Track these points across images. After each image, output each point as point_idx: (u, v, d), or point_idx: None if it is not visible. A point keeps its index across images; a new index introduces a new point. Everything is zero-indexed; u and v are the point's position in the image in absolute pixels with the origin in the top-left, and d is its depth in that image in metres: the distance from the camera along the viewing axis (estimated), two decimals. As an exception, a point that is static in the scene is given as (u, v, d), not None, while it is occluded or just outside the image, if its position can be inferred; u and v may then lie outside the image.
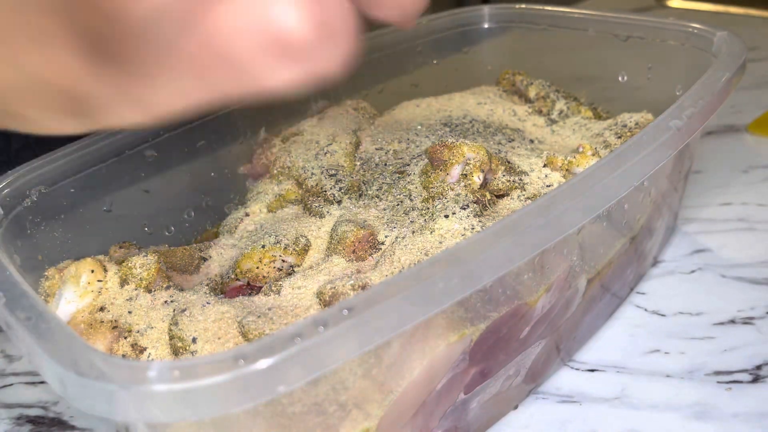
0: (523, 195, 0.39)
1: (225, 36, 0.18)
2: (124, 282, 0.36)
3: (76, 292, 0.35)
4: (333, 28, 0.18)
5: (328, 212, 0.40)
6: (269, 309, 0.33)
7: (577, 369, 0.41)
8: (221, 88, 0.19)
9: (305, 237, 0.38)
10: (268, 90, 0.19)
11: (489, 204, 0.38)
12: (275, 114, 0.50)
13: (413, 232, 0.36)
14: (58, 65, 0.19)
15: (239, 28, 0.17)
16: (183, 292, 0.36)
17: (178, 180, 0.46)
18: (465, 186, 0.38)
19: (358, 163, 0.44)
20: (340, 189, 0.41)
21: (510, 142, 0.44)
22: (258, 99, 0.20)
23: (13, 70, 0.20)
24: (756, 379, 0.39)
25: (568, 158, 0.41)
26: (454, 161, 0.39)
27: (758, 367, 0.40)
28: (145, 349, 0.33)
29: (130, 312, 0.34)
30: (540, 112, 0.51)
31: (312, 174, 0.42)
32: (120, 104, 0.20)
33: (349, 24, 0.19)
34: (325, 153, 0.44)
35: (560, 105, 0.50)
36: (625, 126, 0.45)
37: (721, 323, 0.43)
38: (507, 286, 0.32)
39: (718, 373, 0.40)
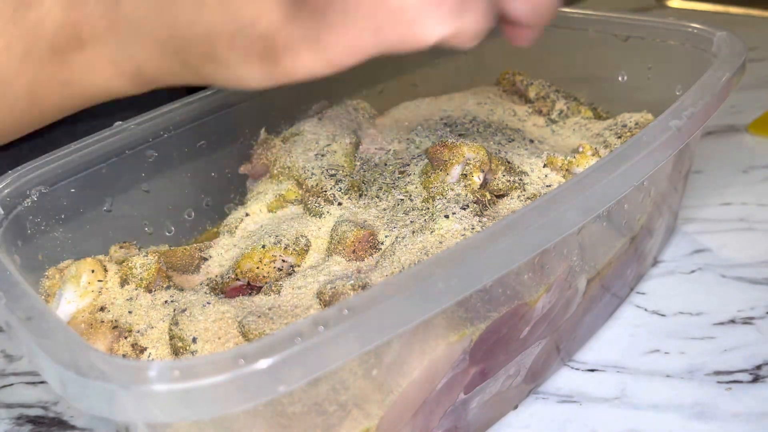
0: (523, 195, 0.39)
1: None
2: (124, 282, 0.36)
3: (76, 292, 0.35)
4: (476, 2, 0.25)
5: (328, 212, 0.40)
6: (269, 309, 0.33)
7: (577, 369, 0.41)
8: (388, 42, 0.25)
9: (305, 237, 0.39)
10: (423, 44, 0.26)
11: (489, 204, 0.38)
12: (275, 114, 0.50)
13: (413, 232, 0.36)
14: (264, 12, 0.25)
15: None
16: (183, 292, 0.36)
17: (178, 180, 0.46)
18: (465, 186, 0.38)
19: (358, 163, 0.44)
20: (340, 189, 0.41)
21: (510, 142, 0.44)
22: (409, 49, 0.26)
23: (228, 17, 0.25)
24: (756, 379, 0.39)
25: (568, 158, 0.41)
26: (454, 161, 0.39)
27: (758, 367, 0.40)
28: (145, 349, 0.33)
29: (130, 312, 0.34)
30: (540, 112, 0.51)
31: (312, 174, 0.42)
32: (305, 50, 0.26)
33: (485, 4, 0.25)
34: (325, 153, 0.44)
35: (560, 105, 0.50)
36: (625, 126, 0.45)
37: (721, 323, 0.43)
38: (507, 286, 0.32)
39: (718, 373, 0.40)
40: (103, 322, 0.34)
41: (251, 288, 0.37)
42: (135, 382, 0.22)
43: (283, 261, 0.37)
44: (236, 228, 0.42)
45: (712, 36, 0.45)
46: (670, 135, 0.34)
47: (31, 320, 0.25)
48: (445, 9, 0.24)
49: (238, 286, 0.37)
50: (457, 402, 0.34)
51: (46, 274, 0.36)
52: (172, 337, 0.32)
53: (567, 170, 0.41)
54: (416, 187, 0.40)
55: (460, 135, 0.45)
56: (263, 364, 0.22)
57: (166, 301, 0.35)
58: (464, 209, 0.36)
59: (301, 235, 0.38)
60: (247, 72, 0.27)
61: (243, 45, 0.26)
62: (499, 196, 0.39)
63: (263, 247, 0.37)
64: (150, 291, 0.35)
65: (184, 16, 0.27)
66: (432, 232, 0.35)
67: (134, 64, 0.32)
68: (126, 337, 0.33)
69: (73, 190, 0.39)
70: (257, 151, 0.47)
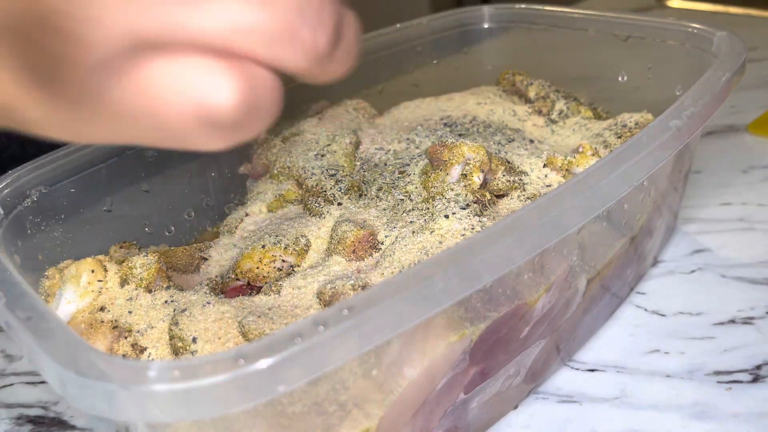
0: (523, 195, 0.39)
1: (158, 96, 0.18)
2: (124, 282, 0.36)
3: (76, 292, 0.35)
4: (259, 105, 0.19)
5: (328, 212, 0.40)
6: (269, 309, 0.33)
7: (577, 369, 0.41)
8: (146, 137, 0.20)
9: (305, 237, 0.38)
10: (192, 148, 0.20)
11: (489, 204, 0.38)
12: (275, 114, 0.50)
13: (413, 232, 0.36)
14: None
15: (172, 91, 0.18)
16: (183, 292, 0.36)
17: (178, 180, 0.46)
18: (465, 186, 0.38)
19: (358, 163, 0.44)
20: (340, 189, 0.41)
21: (510, 142, 0.44)
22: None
23: None
24: (756, 379, 0.39)
25: (568, 158, 0.41)
26: (454, 161, 0.39)
27: (758, 367, 0.40)
28: (145, 348, 0.33)
29: (130, 312, 0.34)
30: (540, 112, 0.51)
31: (312, 174, 0.42)
32: (49, 125, 0.20)
33: (276, 96, 0.19)
34: (325, 153, 0.44)
35: (560, 105, 0.50)
36: (625, 126, 0.45)
37: (721, 323, 0.43)
38: (507, 286, 0.32)
39: (718, 373, 0.40)
40: (103, 322, 0.34)
41: (251, 288, 0.37)
42: (135, 382, 0.22)
43: (283, 261, 0.37)
44: (236, 228, 0.42)
45: (712, 36, 0.46)
46: (670, 135, 0.34)
47: (31, 320, 0.25)
48: (218, 124, 0.19)
49: (238, 286, 0.37)
50: (457, 402, 0.34)
51: (46, 274, 0.36)
52: (172, 337, 0.32)
53: (567, 170, 0.41)
54: (416, 187, 0.40)
55: (460, 135, 0.45)
56: (263, 364, 0.22)
57: (166, 301, 0.35)
58: (464, 209, 0.36)
59: (301, 235, 0.38)
60: None
61: None
62: (499, 196, 0.39)
63: (263, 247, 0.37)
64: (150, 291, 0.35)
65: None
66: (432, 232, 0.35)
67: None
68: (126, 337, 0.33)
69: (73, 190, 0.39)
70: (257, 151, 0.47)
